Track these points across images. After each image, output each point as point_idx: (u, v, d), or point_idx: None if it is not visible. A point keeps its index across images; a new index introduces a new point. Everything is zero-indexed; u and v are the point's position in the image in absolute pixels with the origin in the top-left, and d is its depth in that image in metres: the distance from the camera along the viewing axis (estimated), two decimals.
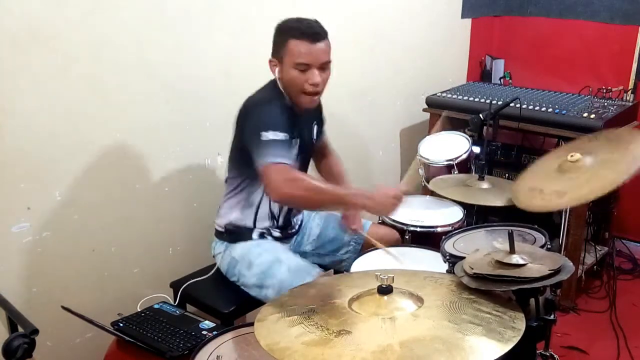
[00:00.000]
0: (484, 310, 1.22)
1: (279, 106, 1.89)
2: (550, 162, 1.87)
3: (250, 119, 1.87)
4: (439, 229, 2.26)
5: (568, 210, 1.98)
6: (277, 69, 1.91)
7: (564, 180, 1.74)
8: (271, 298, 1.91)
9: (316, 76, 1.86)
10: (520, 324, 1.17)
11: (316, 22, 1.89)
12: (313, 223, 2.23)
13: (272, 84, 1.98)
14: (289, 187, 1.73)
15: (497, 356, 1.06)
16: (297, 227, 2.18)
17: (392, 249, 2.02)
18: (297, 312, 1.26)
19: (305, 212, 2.22)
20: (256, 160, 1.78)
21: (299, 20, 1.89)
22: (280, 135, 1.79)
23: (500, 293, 1.29)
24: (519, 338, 1.12)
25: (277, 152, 1.76)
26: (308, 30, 1.84)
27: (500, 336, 1.12)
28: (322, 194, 1.80)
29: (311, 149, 2.16)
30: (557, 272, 1.31)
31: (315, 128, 2.14)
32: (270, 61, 1.93)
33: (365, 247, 2.14)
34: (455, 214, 2.39)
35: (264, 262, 1.96)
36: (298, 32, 1.84)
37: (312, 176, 1.94)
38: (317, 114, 2.14)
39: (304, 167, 2.11)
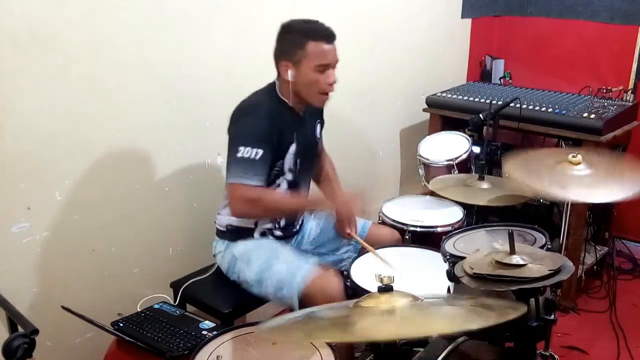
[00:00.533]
0: (484, 303, 1.24)
1: (266, 115, 1.89)
2: (549, 155, 1.89)
3: (234, 127, 1.90)
4: (439, 229, 2.27)
5: (568, 211, 1.98)
6: (290, 72, 1.90)
7: (560, 175, 1.76)
8: (271, 293, 1.92)
9: (334, 76, 1.92)
10: (521, 309, 1.18)
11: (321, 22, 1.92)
12: (313, 223, 2.23)
13: (269, 87, 1.99)
14: (247, 208, 1.87)
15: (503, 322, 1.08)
16: (298, 226, 2.18)
17: (382, 253, 2.01)
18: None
19: (306, 212, 2.22)
20: (226, 174, 1.86)
21: (309, 22, 1.91)
22: (253, 152, 1.83)
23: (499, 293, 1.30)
24: (521, 314, 1.14)
25: (245, 172, 1.83)
26: (324, 32, 1.89)
27: (503, 313, 1.14)
28: (280, 210, 2.01)
29: (315, 149, 2.16)
30: (557, 272, 1.31)
31: (318, 127, 2.15)
32: (281, 65, 1.91)
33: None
34: (455, 214, 2.39)
35: (261, 257, 1.97)
36: (316, 34, 1.87)
37: (271, 192, 1.97)
38: (319, 113, 2.15)
39: (307, 167, 2.12)
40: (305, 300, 1.85)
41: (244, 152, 1.83)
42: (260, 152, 1.84)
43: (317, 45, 1.86)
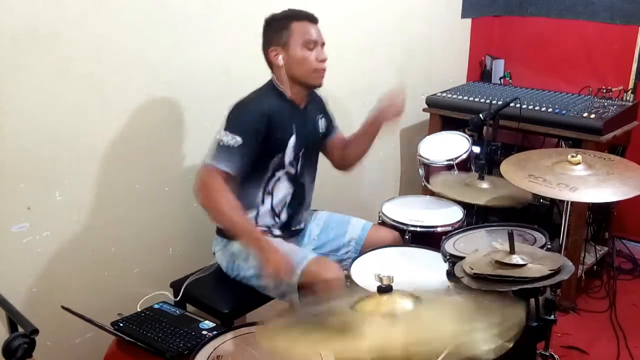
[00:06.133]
0: (484, 306, 1.23)
1: (257, 109, 1.91)
2: (548, 155, 1.90)
3: (225, 117, 1.93)
4: (439, 229, 2.26)
5: (568, 211, 1.98)
6: (280, 57, 1.94)
7: (561, 176, 1.77)
8: (271, 286, 1.91)
9: (323, 53, 1.96)
10: (521, 317, 1.17)
11: None
12: (313, 223, 2.23)
13: (267, 83, 2.01)
14: (202, 193, 1.85)
15: (503, 350, 1.07)
16: (302, 225, 2.19)
17: (383, 252, 2.01)
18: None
19: (306, 213, 2.22)
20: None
21: (289, 9, 1.97)
22: (231, 139, 1.84)
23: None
24: (521, 331, 1.12)
25: (216, 155, 1.85)
26: (306, 13, 1.96)
27: (503, 330, 1.12)
28: (220, 219, 1.90)
29: (318, 143, 2.18)
30: (557, 272, 1.31)
31: (321, 122, 2.15)
32: (270, 51, 1.96)
33: (365, 247, 2.14)
34: (455, 214, 2.39)
35: None
36: (299, 15, 1.95)
37: (231, 199, 1.83)
38: (320, 108, 2.15)
39: (310, 162, 2.12)
40: (304, 287, 1.86)
41: (223, 135, 1.86)
42: (240, 140, 1.85)
43: (301, 24, 1.93)
